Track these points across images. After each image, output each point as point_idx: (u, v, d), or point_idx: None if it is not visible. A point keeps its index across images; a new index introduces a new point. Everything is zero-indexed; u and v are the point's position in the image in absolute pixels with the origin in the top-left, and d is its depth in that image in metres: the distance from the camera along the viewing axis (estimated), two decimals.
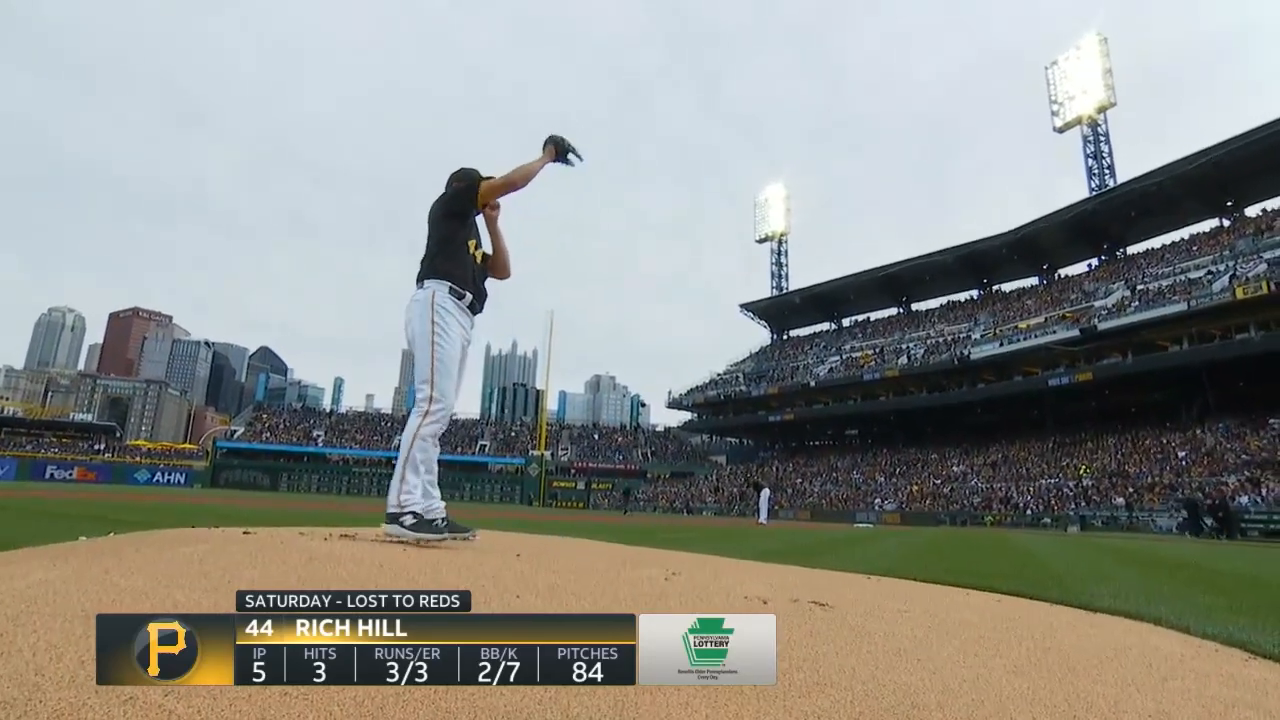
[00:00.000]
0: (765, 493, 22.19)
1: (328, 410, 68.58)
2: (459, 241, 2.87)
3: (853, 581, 2.89)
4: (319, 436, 58.78)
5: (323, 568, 1.73)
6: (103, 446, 59.70)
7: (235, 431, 61.21)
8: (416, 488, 2.65)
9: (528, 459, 50.76)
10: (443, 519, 2.69)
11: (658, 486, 53.76)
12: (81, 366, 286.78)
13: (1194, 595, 3.26)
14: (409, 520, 2.59)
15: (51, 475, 45.79)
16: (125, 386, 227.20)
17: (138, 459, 56.29)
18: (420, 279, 2.85)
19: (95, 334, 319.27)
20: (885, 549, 6.74)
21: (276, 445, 55.94)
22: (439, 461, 2.86)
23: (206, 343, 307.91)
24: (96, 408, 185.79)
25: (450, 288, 2.81)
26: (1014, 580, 3.71)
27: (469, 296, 2.87)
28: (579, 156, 3.02)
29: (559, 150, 2.97)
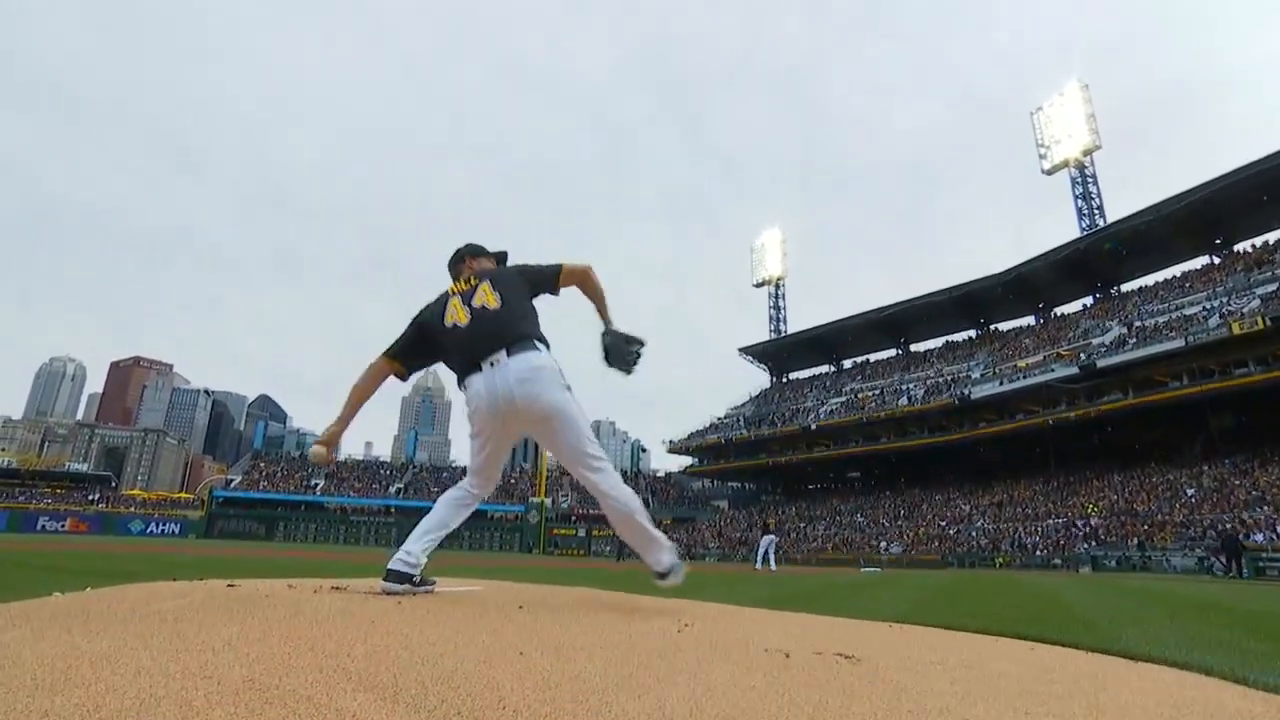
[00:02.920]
0: (767, 537, 19.39)
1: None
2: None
3: (875, 630, 2.72)
4: (318, 485, 58.01)
5: (310, 624, 1.58)
6: (97, 496, 58.84)
7: (232, 480, 60.45)
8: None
9: (527, 506, 49.99)
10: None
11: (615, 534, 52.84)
12: (80, 416, 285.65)
13: (1237, 640, 3.08)
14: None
15: (43, 526, 44.87)
16: (123, 436, 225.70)
17: (132, 509, 55.38)
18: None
19: (95, 383, 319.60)
20: (899, 594, 6.49)
21: (274, 494, 55.14)
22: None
23: (206, 391, 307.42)
24: (93, 457, 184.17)
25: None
26: (1038, 625, 3.52)
27: None
28: (628, 366, 2.82)
29: (614, 353, 2.79)
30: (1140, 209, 40.88)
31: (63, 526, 45.64)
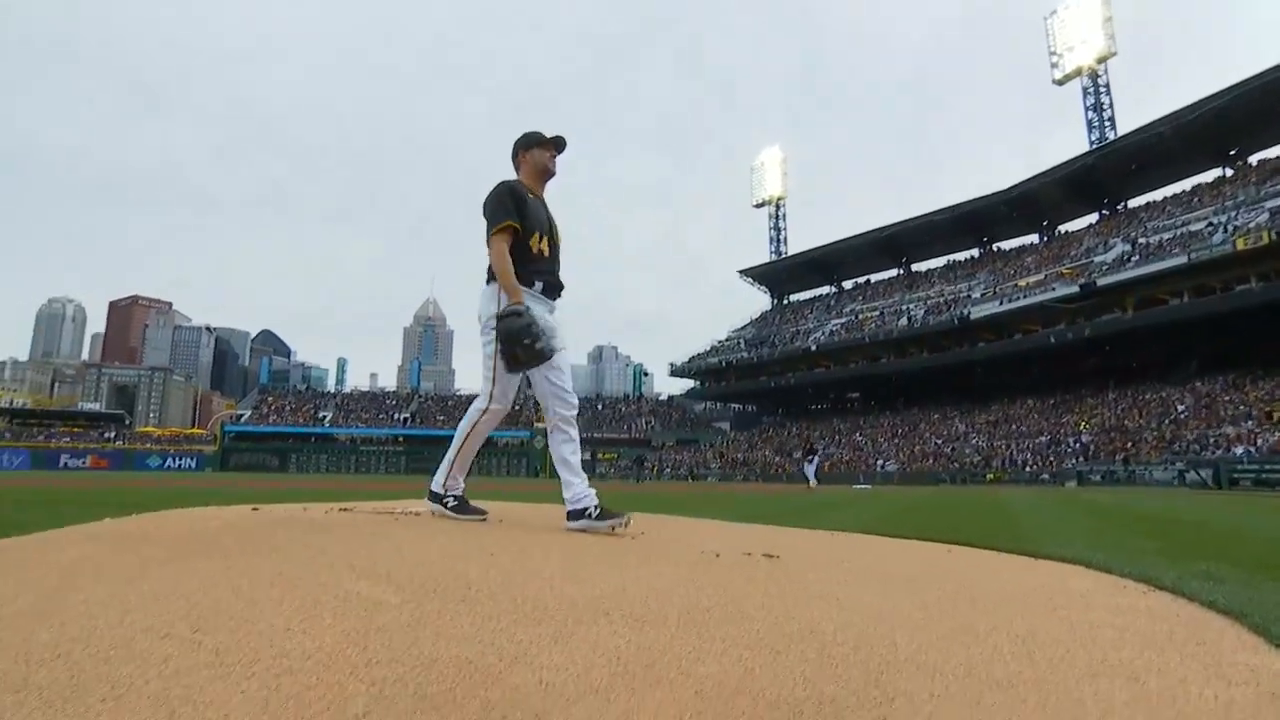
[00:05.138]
0: (815, 457, 23.26)
1: (333, 391, 69.12)
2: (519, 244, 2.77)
3: (812, 538, 3.14)
4: (325, 417, 59.38)
5: (321, 536, 1.97)
6: (113, 434, 60.46)
7: (242, 415, 61.85)
8: (461, 476, 2.80)
9: (532, 432, 51.26)
10: (595, 507, 2.65)
11: (663, 455, 54.39)
12: (85, 356, 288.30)
13: (1136, 541, 3.51)
14: (451, 503, 2.74)
15: (65, 464, 46.54)
16: (130, 374, 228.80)
17: (148, 445, 57.04)
18: (487, 278, 2.76)
19: (96, 323, 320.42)
20: (867, 510, 7.03)
21: (284, 427, 56.55)
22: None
23: (208, 328, 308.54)
24: (104, 396, 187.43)
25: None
26: (972, 534, 3.96)
27: (538, 284, 2.78)
28: (509, 362, 2.64)
29: (503, 333, 2.58)
30: (1153, 119, 39.65)
31: (84, 464, 47.30)
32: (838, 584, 1.94)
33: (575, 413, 2.78)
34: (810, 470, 22.11)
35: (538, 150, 2.90)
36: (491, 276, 2.72)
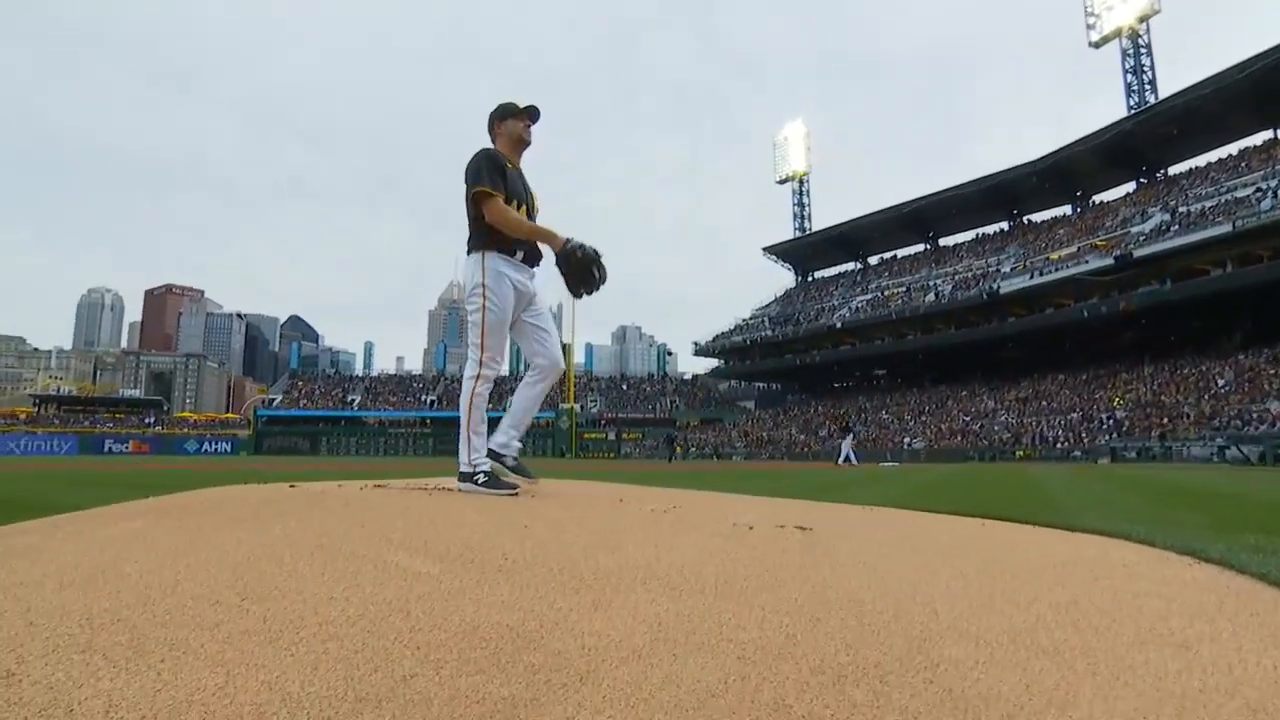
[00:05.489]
0: (850, 437, 23.16)
1: (360, 375, 70.33)
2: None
3: (845, 511, 3.12)
4: (354, 400, 60.54)
5: (358, 510, 2.00)
6: (152, 419, 62.48)
7: (274, 400, 63.37)
8: (482, 448, 2.82)
9: (557, 412, 51.66)
10: (513, 458, 2.95)
11: (687, 434, 54.54)
12: (124, 344, 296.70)
13: (1178, 515, 3.42)
14: (481, 479, 2.75)
15: (110, 449, 48.23)
16: (166, 361, 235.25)
17: (185, 430, 58.88)
18: (469, 249, 2.86)
19: (133, 312, 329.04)
20: (896, 485, 6.97)
21: (314, 411, 57.83)
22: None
23: (239, 315, 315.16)
24: (142, 383, 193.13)
25: (498, 248, 2.83)
26: (1007, 508, 3.90)
27: (520, 251, 2.87)
28: (587, 287, 2.82)
29: (573, 262, 2.77)
30: (1197, 81, 37.88)
31: (126, 448, 48.98)
32: (873, 555, 1.92)
33: (489, 369, 2.85)
34: (847, 448, 21.98)
35: (512, 121, 2.96)
36: (473, 246, 2.84)
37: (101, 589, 1.24)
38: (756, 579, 1.49)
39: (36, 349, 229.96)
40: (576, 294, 2.83)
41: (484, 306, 2.77)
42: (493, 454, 2.87)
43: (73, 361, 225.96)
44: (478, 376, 2.81)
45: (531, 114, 2.99)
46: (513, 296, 2.85)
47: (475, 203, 2.79)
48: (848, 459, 21.41)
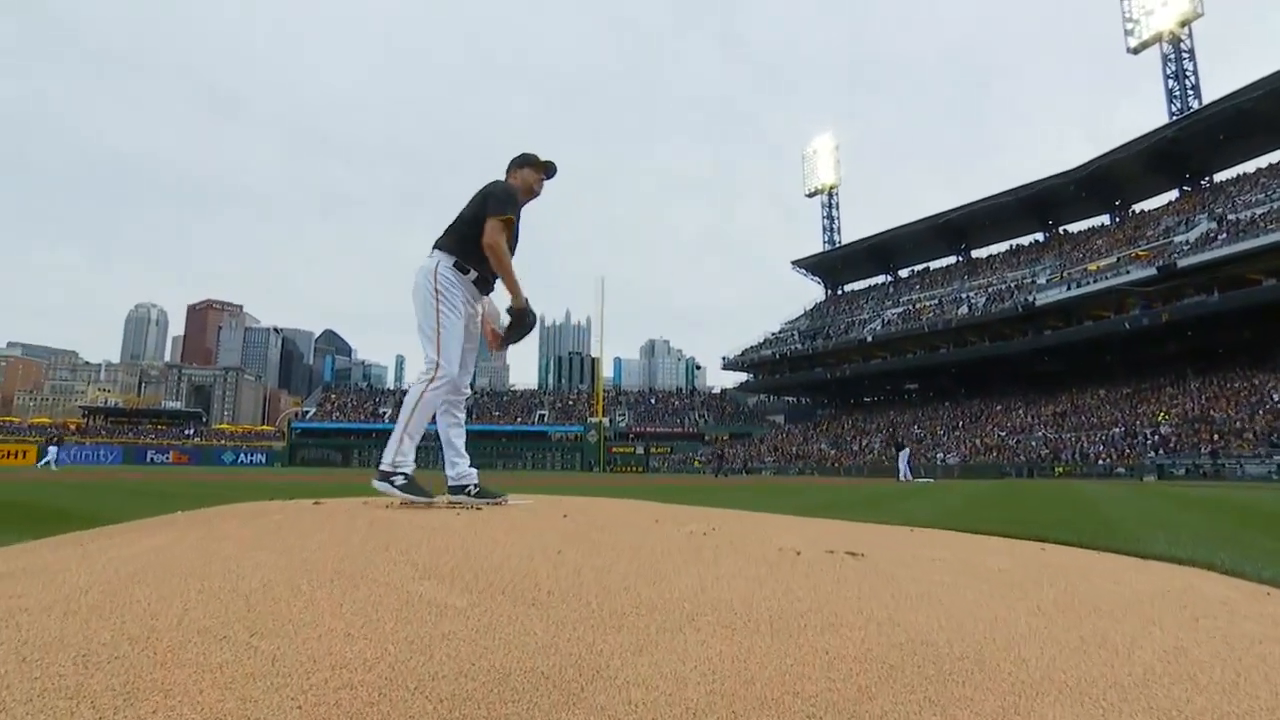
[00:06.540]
0: (904, 452, 23.33)
1: (392, 388, 71.34)
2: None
3: (893, 533, 2.93)
4: (385, 413, 61.33)
5: (383, 530, 1.90)
6: (192, 431, 64.10)
7: (308, 412, 64.54)
8: (410, 452, 2.81)
9: (586, 426, 51.73)
10: (474, 485, 2.92)
11: (726, 449, 54.09)
12: (168, 357, 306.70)
13: (1258, 540, 3.16)
14: (399, 480, 2.73)
15: (152, 459, 49.63)
16: (206, 374, 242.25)
17: (223, 442, 60.26)
18: (436, 247, 2.88)
19: (176, 326, 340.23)
20: (937, 502, 6.69)
21: (346, 424, 58.73)
22: (469, 431, 3.11)
23: (275, 329, 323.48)
24: (183, 395, 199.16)
25: (456, 261, 2.83)
26: (1063, 529, 3.66)
27: (474, 273, 2.87)
28: (515, 342, 3.01)
29: (525, 320, 2.94)
30: (1245, 85, 36.59)
31: (167, 459, 50.35)
32: (935, 585, 1.75)
33: (442, 375, 2.87)
34: (903, 464, 22.14)
35: (529, 170, 3.05)
36: (449, 243, 2.85)
37: (106, 619, 1.15)
38: (815, 615, 1.34)
39: (87, 362, 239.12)
40: (505, 344, 3.03)
41: (439, 310, 2.79)
42: (454, 489, 2.90)
43: (120, 374, 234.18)
44: (432, 378, 2.81)
45: (548, 169, 3.09)
46: (464, 310, 2.89)
47: (484, 221, 2.80)
48: (905, 476, 21.65)
